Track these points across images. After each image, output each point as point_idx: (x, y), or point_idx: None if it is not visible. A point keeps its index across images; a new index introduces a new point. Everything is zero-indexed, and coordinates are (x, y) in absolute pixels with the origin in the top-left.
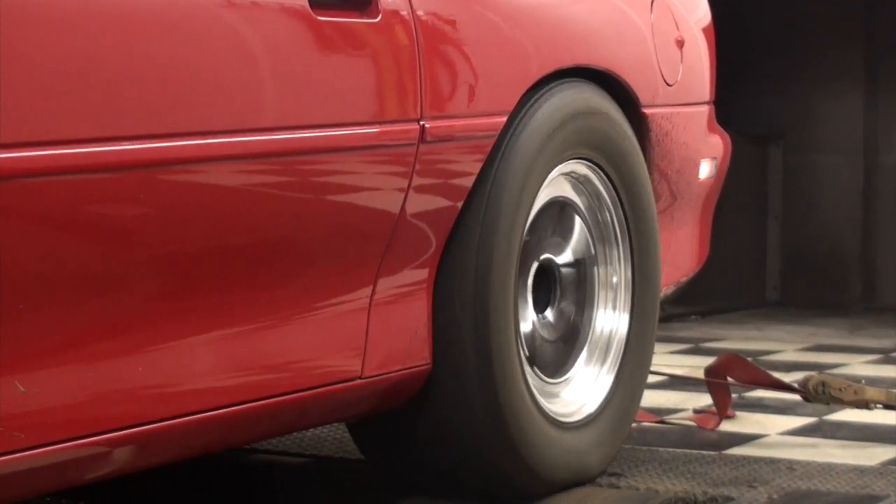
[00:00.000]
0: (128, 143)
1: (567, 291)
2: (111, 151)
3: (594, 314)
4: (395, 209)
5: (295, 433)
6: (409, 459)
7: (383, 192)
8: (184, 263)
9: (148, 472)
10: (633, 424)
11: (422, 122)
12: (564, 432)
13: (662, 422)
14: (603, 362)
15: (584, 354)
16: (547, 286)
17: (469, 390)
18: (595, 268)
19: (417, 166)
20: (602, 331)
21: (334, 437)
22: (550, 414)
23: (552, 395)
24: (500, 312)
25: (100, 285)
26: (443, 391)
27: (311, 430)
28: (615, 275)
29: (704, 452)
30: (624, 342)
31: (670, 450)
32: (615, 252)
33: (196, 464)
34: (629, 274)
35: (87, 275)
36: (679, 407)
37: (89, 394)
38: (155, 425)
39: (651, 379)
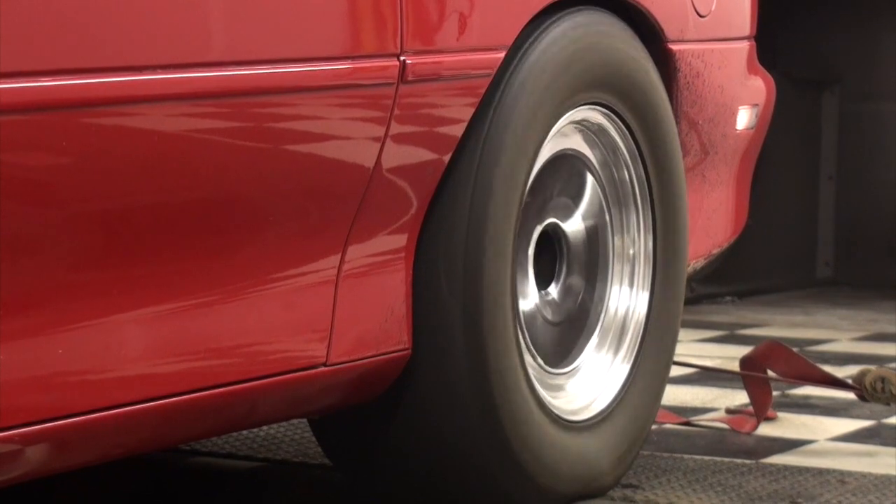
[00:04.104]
0: (45, 78)
1: (575, 264)
2: (24, 89)
3: (607, 291)
4: (369, 162)
5: (245, 431)
6: (382, 464)
7: (355, 141)
8: (112, 225)
9: (67, 475)
10: (654, 426)
11: (402, 58)
12: (570, 433)
13: (688, 423)
14: (617, 349)
15: (594, 340)
16: (551, 257)
17: (456, 381)
18: (609, 236)
19: (396, 111)
20: (616, 312)
21: (293, 437)
22: (554, 411)
23: (556, 389)
24: (494, 288)
25: (9, 251)
26: (425, 382)
27: (265, 428)
28: (633, 245)
29: (738, 461)
30: (643, 326)
31: (697, 457)
32: (634, 217)
33: (125, 467)
34: (650, 244)
35: None
36: (709, 406)
37: None
38: (76, 419)
39: (675, 371)
